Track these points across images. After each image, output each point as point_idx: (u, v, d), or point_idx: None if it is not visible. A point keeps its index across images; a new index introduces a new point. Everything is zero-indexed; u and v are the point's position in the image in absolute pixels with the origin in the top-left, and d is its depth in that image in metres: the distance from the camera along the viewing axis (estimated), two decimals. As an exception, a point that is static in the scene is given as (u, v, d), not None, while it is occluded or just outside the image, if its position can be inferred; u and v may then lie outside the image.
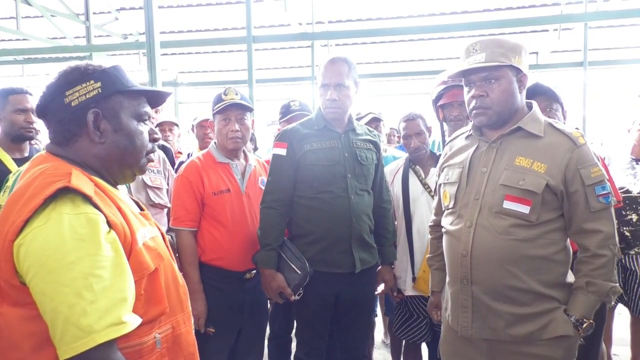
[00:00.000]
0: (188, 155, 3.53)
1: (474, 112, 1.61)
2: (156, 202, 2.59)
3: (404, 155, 2.67)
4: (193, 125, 3.52)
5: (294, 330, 2.55)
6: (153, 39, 3.65)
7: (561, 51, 9.39)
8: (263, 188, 2.19)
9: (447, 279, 1.74)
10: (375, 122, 3.13)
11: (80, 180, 1.00)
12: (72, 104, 1.06)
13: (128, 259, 1.00)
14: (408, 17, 7.89)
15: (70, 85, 1.07)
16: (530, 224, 1.52)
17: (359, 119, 2.67)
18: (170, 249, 1.22)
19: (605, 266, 1.51)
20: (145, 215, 1.17)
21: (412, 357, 2.60)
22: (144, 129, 1.16)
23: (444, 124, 2.48)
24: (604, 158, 2.74)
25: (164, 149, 3.09)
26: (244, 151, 2.30)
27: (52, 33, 8.26)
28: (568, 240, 1.61)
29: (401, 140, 2.49)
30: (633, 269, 2.66)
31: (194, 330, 1.23)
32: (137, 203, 1.22)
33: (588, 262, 1.53)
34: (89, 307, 0.89)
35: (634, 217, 2.64)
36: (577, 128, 1.66)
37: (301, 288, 2.06)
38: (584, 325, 1.52)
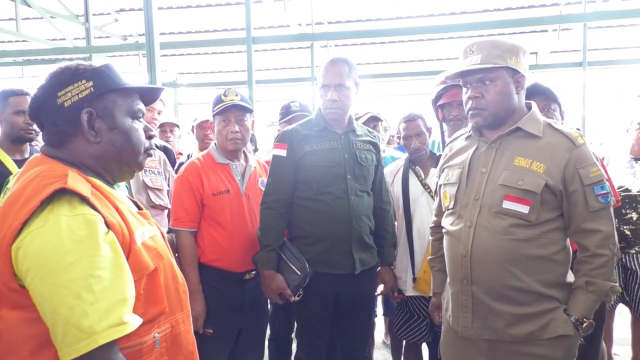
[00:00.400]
0: (188, 156, 3.53)
1: (470, 112, 1.62)
2: (157, 203, 2.59)
3: (402, 156, 2.67)
4: (193, 126, 3.51)
5: (294, 331, 2.55)
6: (153, 40, 3.65)
7: (560, 51, 9.38)
8: (263, 189, 2.19)
9: (448, 279, 1.74)
10: (373, 121, 3.12)
11: (77, 181, 0.99)
12: (65, 104, 1.05)
13: (127, 259, 1.00)
14: (408, 17, 7.89)
15: (61, 86, 1.06)
16: (530, 224, 1.53)
17: (357, 119, 2.66)
18: (170, 249, 1.21)
19: (604, 266, 1.52)
20: (144, 215, 1.16)
21: (413, 357, 2.60)
22: (139, 126, 1.16)
23: (444, 123, 2.49)
24: (603, 158, 2.74)
25: (165, 150, 3.08)
26: (244, 152, 2.30)
27: (51, 34, 8.25)
28: (568, 240, 1.61)
29: (401, 140, 2.49)
30: (633, 268, 2.66)
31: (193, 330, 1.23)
32: (135, 203, 1.22)
33: (588, 262, 1.53)
34: (90, 308, 0.89)
35: (634, 215, 2.64)
36: (577, 129, 1.66)
37: (301, 289, 2.06)
38: (584, 325, 1.52)
